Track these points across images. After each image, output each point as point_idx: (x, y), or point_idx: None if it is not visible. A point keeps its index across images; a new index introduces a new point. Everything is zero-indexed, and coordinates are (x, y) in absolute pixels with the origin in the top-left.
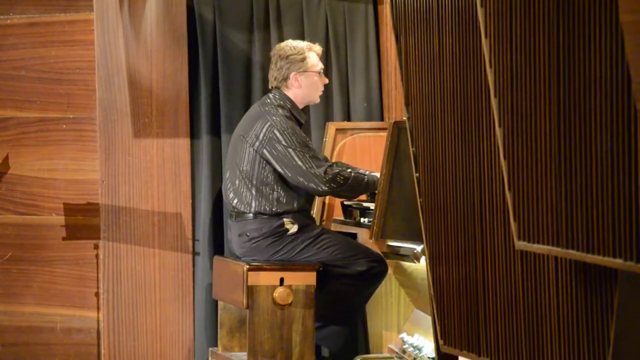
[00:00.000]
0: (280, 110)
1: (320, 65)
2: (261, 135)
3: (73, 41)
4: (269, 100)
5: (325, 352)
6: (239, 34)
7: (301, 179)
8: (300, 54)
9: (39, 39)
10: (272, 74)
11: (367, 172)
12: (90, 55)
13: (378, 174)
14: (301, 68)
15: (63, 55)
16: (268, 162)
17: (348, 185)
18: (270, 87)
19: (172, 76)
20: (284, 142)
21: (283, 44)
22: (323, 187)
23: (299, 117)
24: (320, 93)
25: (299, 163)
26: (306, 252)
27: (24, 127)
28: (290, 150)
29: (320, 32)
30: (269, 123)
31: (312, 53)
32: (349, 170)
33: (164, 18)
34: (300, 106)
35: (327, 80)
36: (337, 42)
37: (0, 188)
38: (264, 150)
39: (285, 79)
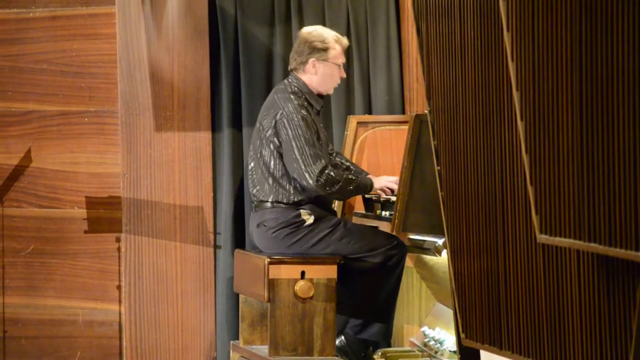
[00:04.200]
0: (293, 98)
1: (342, 59)
2: (274, 123)
3: (95, 34)
4: (282, 87)
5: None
6: (260, 27)
7: (295, 174)
8: (325, 43)
9: (61, 33)
10: (293, 55)
11: (360, 176)
12: (112, 48)
13: (372, 178)
14: (322, 57)
15: (85, 48)
16: (279, 152)
17: (338, 187)
18: (289, 68)
19: (193, 69)
20: (290, 133)
21: (311, 28)
22: (313, 185)
23: (314, 104)
24: (336, 86)
25: (297, 157)
26: (323, 243)
27: (46, 120)
28: (293, 142)
29: (342, 24)
30: (280, 111)
31: (338, 45)
32: (343, 173)
33: (185, 11)
34: (315, 93)
35: (344, 75)
36: (358, 34)
37: (23, 181)
38: (275, 139)
39: (304, 63)
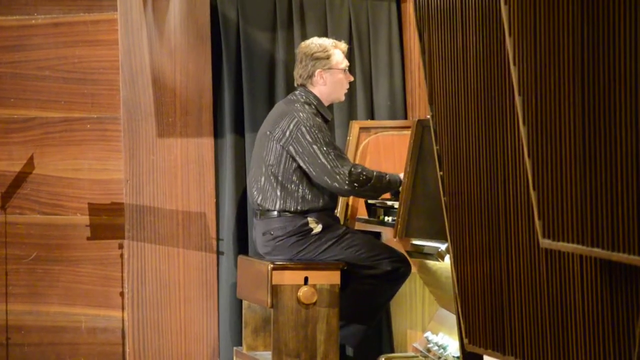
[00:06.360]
0: (307, 107)
1: (345, 63)
2: (288, 131)
3: (97, 41)
4: (295, 97)
5: (349, 351)
6: (262, 33)
7: (325, 178)
8: (326, 52)
9: (63, 39)
10: (298, 71)
11: (389, 173)
12: (114, 55)
13: (401, 174)
14: (326, 65)
15: (87, 55)
16: (293, 159)
17: (371, 185)
18: (295, 84)
19: (195, 75)
20: (309, 139)
21: (308, 41)
22: (346, 187)
23: (325, 115)
24: (346, 91)
25: (324, 161)
26: (330, 252)
27: (49, 127)
28: (315, 147)
29: (344, 30)
30: (296, 119)
31: (338, 50)
32: (373, 171)
33: (187, 17)
34: (326, 103)
35: (352, 78)
36: (360, 40)
37: (25, 188)
38: (290, 147)
39: (311, 76)
